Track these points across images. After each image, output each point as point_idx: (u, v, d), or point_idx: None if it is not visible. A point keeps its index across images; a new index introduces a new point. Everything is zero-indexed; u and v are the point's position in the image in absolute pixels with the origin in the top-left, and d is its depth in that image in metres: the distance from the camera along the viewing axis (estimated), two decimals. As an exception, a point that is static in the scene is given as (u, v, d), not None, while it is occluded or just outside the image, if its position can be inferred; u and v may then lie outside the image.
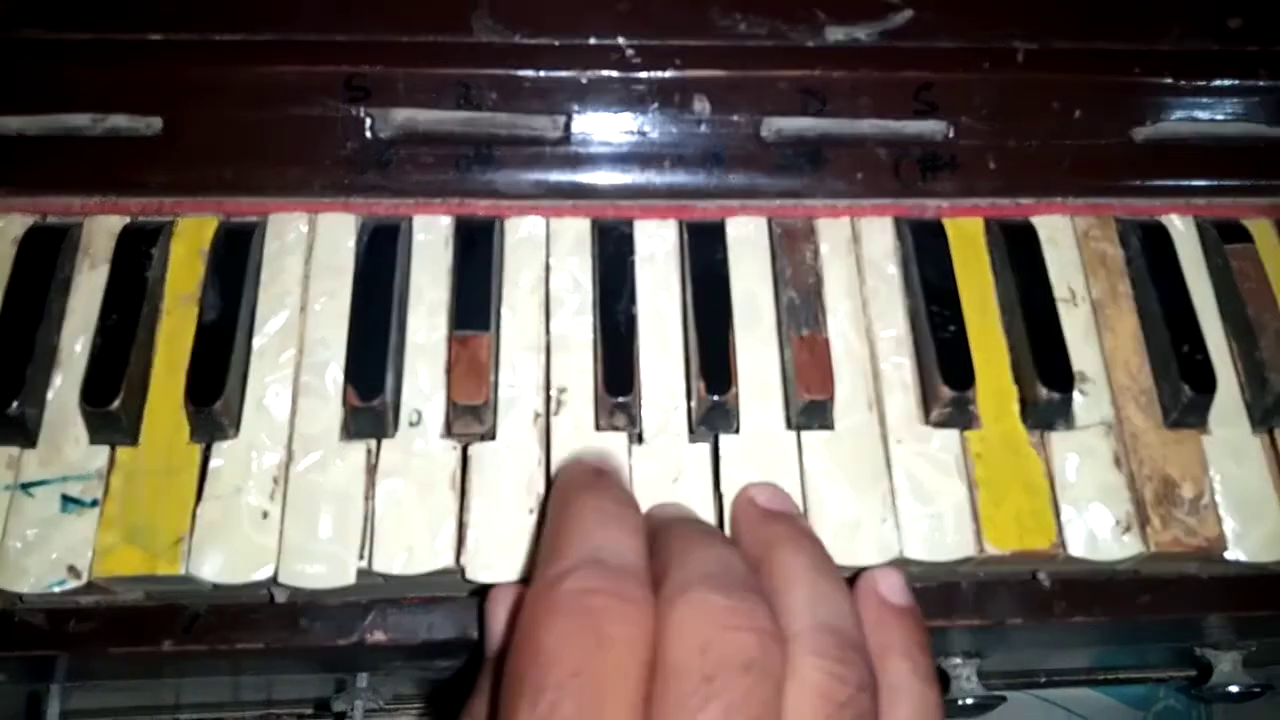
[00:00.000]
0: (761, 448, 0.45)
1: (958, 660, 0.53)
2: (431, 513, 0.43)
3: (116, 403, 0.43)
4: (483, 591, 0.43)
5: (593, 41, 0.50)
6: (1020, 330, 0.47)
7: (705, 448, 0.45)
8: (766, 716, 0.31)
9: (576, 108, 0.50)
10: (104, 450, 0.44)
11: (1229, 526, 0.45)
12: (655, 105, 0.50)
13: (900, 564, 0.44)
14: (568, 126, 0.50)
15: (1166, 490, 0.45)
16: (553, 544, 0.35)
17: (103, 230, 0.48)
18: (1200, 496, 0.45)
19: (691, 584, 0.33)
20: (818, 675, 0.32)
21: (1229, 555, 0.44)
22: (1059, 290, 0.49)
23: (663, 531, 0.38)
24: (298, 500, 0.43)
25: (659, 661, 0.32)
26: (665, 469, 0.45)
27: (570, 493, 0.38)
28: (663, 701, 0.31)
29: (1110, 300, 0.49)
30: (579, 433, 0.45)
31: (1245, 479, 0.46)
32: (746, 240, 0.50)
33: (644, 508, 0.43)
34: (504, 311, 0.47)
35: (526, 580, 0.40)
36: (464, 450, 0.44)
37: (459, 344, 0.45)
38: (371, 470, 0.44)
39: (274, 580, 0.42)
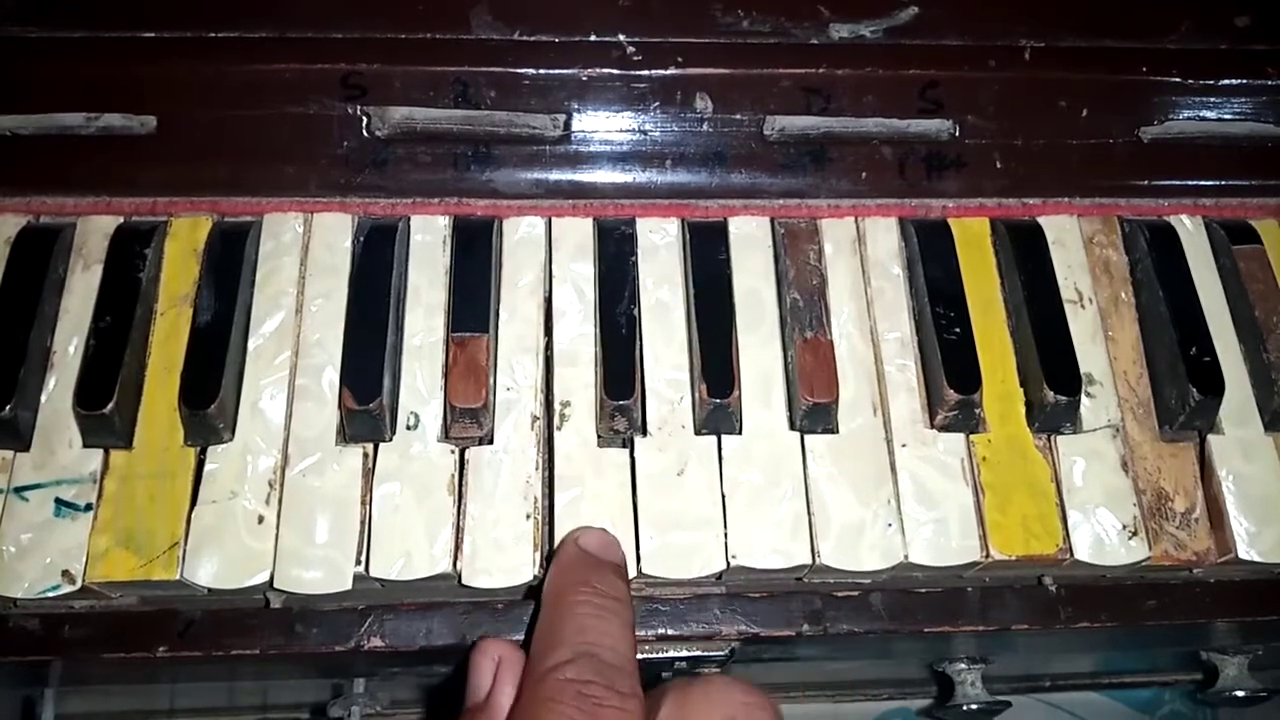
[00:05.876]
0: (764, 449, 0.44)
1: (962, 665, 0.52)
2: (429, 517, 0.42)
3: (110, 405, 0.43)
4: (479, 597, 0.43)
5: (593, 39, 0.50)
6: (1027, 333, 0.47)
7: (712, 440, 0.44)
8: None
9: (576, 106, 0.50)
10: (98, 454, 0.43)
11: (1242, 527, 0.44)
12: (656, 103, 0.50)
13: (905, 569, 0.43)
14: (567, 125, 0.49)
15: (1159, 504, 0.45)
16: (550, 634, 0.37)
17: (96, 230, 0.48)
18: (1191, 510, 0.45)
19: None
20: None
21: (1243, 555, 0.44)
22: (1066, 291, 0.48)
23: None
24: (293, 504, 0.42)
25: None
26: (670, 461, 0.44)
27: (567, 580, 0.39)
28: None
29: (1112, 310, 0.49)
30: (583, 448, 0.44)
31: (1259, 480, 0.45)
32: (749, 240, 0.49)
33: (646, 505, 0.43)
34: (502, 313, 0.47)
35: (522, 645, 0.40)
36: (461, 454, 0.44)
37: (457, 346, 0.45)
38: (368, 474, 0.43)
39: (269, 585, 0.41)
